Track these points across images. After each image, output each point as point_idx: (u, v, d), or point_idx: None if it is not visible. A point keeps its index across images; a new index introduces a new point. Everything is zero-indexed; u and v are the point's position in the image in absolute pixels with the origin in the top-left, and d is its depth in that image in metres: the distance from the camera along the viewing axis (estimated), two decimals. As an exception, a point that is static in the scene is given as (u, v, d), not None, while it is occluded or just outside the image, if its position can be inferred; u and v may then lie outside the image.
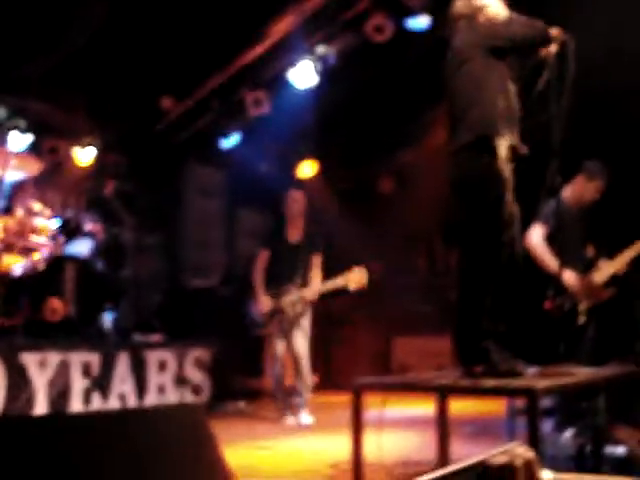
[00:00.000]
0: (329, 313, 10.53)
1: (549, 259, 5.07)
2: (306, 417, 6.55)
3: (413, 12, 7.19)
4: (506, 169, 3.61)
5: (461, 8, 3.99)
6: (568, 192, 5.37)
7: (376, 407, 3.51)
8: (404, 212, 9.88)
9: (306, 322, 6.65)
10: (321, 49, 7.93)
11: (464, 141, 3.67)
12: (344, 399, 3.41)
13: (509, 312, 3.72)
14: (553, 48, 3.77)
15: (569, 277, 5.10)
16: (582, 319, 5.11)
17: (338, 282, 6.37)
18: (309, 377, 6.65)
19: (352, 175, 11.03)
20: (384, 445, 3.61)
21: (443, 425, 3.74)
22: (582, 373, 3.56)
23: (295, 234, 6.82)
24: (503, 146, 3.61)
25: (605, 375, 3.71)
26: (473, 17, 3.92)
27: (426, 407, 4.09)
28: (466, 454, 1.85)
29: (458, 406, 3.95)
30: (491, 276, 3.59)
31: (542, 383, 2.89)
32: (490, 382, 3.17)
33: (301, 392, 6.59)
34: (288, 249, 6.72)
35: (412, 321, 9.84)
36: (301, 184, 10.60)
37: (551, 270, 4.97)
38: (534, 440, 2.66)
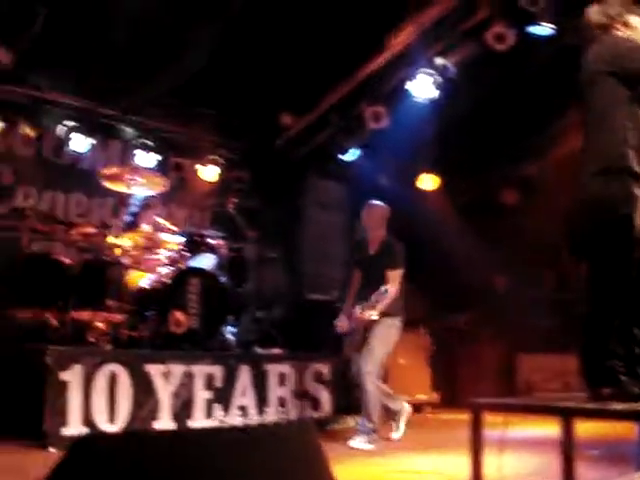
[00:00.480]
0: (452, 329, 10.37)
1: None
2: (358, 442, 5.91)
3: (535, 19, 6.96)
4: (637, 191, 3.47)
5: (595, 16, 3.75)
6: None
7: (498, 427, 3.41)
8: (529, 224, 9.60)
9: (382, 329, 6.16)
10: (440, 60, 7.81)
11: (593, 169, 3.55)
12: (467, 418, 3.34)
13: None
14: None
15: None
16: None
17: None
18: (373, 404, 6.02)
19: (474, 187, 10.83)
20: (505, 466, 3.49)
21: (568, 448, 3.58)
22: None
23: (374, 247, 6.52)
24: (634, 175, 3.48)
25: None
26: (607, 28, 3.69)
27: (549, 428, 3.92)
28: (591, 481, 1.74)
29: (584, 428, 3.76)
30: (621, 295, 3.43)
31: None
32: (618, 405, 3.01)
33: (363, 416, 6.11)
34: (369, 262, 6.46)
35: (538, 337, 9.54)
36: (422, 197, 10.52)
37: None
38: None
